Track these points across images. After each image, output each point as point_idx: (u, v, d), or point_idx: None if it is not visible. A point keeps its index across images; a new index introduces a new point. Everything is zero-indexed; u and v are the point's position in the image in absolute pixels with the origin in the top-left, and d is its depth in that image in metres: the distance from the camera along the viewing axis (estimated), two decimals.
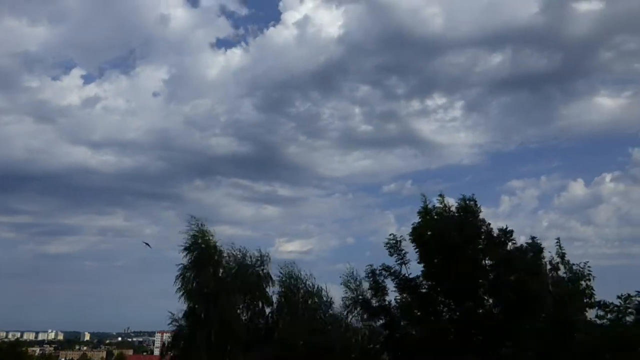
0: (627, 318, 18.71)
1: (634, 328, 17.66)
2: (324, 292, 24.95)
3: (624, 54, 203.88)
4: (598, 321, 18.59)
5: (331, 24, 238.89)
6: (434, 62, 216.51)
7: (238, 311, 23.18)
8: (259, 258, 24.61)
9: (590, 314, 18.20)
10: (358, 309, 23.14)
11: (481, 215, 18.12)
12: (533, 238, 17.31)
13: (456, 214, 17.74)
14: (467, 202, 17.75)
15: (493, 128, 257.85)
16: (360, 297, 22.70)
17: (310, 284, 24.98)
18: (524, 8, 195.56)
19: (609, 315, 18.78)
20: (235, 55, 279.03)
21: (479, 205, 17.76)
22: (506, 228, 17.42)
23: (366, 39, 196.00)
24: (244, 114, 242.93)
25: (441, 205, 18.27)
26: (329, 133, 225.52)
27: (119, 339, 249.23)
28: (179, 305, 23.36)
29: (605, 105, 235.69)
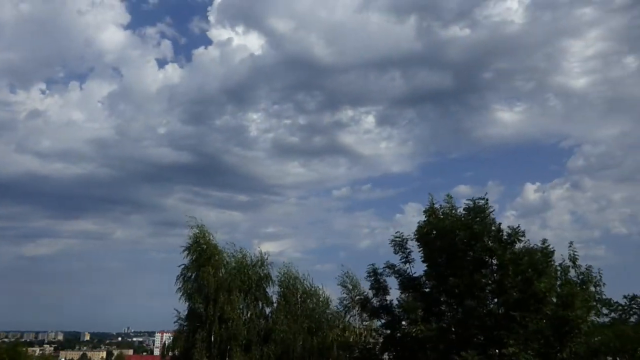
0: (631, 319, 18.73)
1: (637, 328, 17.62)
2: (321, 292, 25.02)
3: (502, 73, 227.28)
4: (600, 320, 18.57)
5: (244, 49, 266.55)
6: (334, 81, 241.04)
7: (238, 311, 23.16)
8: (259, 258, 24.63)
9: (594, 314, 18.19)
10: (357, 308, 23.14)
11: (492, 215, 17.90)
12: (545, 240, 17.21)
13: (464, 213, 17.64)
14: (477, 202, 17.63)
15: (411, 139, 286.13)
16: (358, 296, 22.68)
17: (308, 284, 25.03)
18: (401, 36, 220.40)
19: (612, 314, 18.79)
20: (168, 73, 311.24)
21: (489, 205, 17.61)
22: (518, 227, 17.27)
23: (274, 61, 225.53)
24: (176, 126, 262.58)
25: (448, 205, 18.20)
26: (260, 144, 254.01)
27: (119, 339, 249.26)
28: (171, 305, 23.48)
29: (503, 118, 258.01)
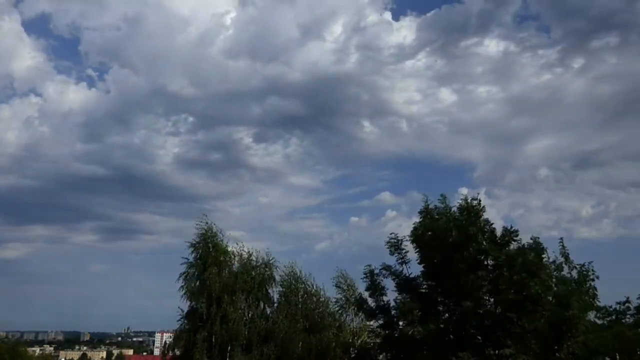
0: (626, 320, 18.87)
1: (634, 328, 17.76)
2: (321, 292, 25.09)
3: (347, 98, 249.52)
4: (598, 322, 18.71)
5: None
6: (210, 105, 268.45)
7: (240, 312, 23.18)
8: (264, 259, 24.64)
9: (592, 314, 18.32)
10: (353, 308, 23.24)
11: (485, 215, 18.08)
12: (536, 238, 17.32)
13: (458, 214, 17.75)
14: (469, 202, 17.76)
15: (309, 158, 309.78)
16: (354, 297, 22.76)
17: (310, 285, 25.09)
18: (249, 72, 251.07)
19: (608, 318, 18.92)
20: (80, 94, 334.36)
21: (482, 205, 17.75)
22: (510, 227, 17.41)
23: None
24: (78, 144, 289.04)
25: (442, 205, 18.29)
26: (163, 159, 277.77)
27: (119, 339, 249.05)
28: (169, 305, 23.53)
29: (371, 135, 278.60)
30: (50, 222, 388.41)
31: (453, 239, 17.00)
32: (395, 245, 18.92)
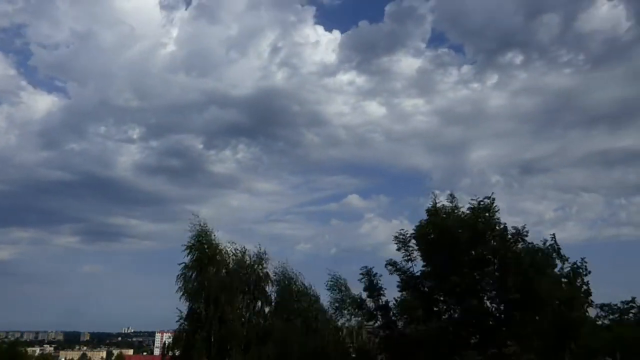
0: (628, 318, 18.76)
1: (635, 329, 17.65)
2: (311, 292, 24.92)
3: (281, 110, 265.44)
4: (599, 321, 18.60)
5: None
6: (157, 115, 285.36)
7: (238, 311, 23.06)
8: (258, 256, 24.48)
9: (591, 312, 18.20)
10: (349, 309, 23.11)
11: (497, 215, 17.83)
12: (545, 241, 17.13)
13: (467, 213, 17.59)
14: (482, 201, 17.57)
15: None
16: (350, 298, 22.63)
17: (302, 284, 24.95)
18: (189, 85, 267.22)
19: (610, 317, 18.82)
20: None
21: (495, 205, 17.56)
22: (522, 227, 17.21)
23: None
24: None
25: (451, 205, 18.16)
26: (123, 165, 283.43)
27: (119, 339, 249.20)
28: (167, 306, 23.36)
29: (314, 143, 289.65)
30: (28, 225, 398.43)
31: (462, 238, 16.84)
32: (402, 242, 18.77)
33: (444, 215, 17.87)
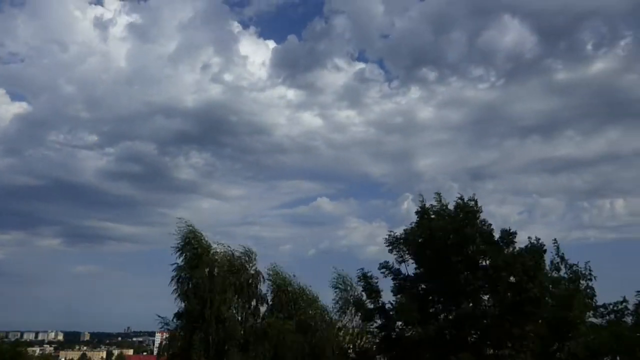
0: (626, 319, 18.69)
1: (633, 329, 17.58)
2: (308, 292, 24.86)
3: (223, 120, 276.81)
4: (596, 321, 18.55)
5: None
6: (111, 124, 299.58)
7: (233, 310, 23.05)
8: (247, 255, 24.44)
9: (591, 315, 18.17)
10: (351, 309, 23.05)
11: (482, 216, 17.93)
12: (538, 239, 17.14)
13: (453, 214, 17.57)
14: (465, 202, 17.56)
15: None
16: (352, 298, 22.62)
17: (297, 283, 24.90)
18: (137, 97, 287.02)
19: (607, 317, 18.76)
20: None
21: (479, 206, 17.54)
22: (509, 229, 17.23)
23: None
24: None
25: (438, 205, 18.12)
26: (87, 171, 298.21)
27: (119, 339, 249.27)
28: (166, 306, 23.45)
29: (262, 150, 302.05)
30: (7, 227, 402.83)
31: (450, 240, 16.85)
32: (393, 244, 18.78)
33: (433, 216, 17.83)
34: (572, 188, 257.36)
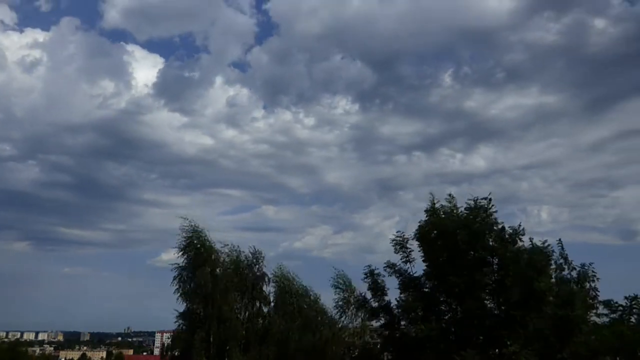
0: (632, 318, 18.66)
1: (636, 328, 17.54)
2: (311, 292, 24.88)
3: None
4: (599, 320, 18.51)
5: None
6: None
7: (236, 311, 23.06)
8: (254, 256, 24.42)
9: (594, 314, 18.16)
10: (352, 308, 23.05)
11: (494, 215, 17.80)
12: (545, 241, 17.15)
13: (466, 213, 17.57)
14: (479, 201, 17.53)
15: None
16: (353, 297, 22.58)
17: (300, 284, 24.91)
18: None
19: (612, 315, 18.72)
20: None
21: (492, 204, 17.48)
22: (519, 227, 17.18)
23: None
24: None
25: (450, 205, 18.12)
26: (23, 182, 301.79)
27: (119, 339, 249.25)
28: (165, 306, 23.37)
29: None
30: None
31: (460, 238, 16.84)
32: (400, 244, 18.80)
33: (443, 215, 17.83)
34: None
